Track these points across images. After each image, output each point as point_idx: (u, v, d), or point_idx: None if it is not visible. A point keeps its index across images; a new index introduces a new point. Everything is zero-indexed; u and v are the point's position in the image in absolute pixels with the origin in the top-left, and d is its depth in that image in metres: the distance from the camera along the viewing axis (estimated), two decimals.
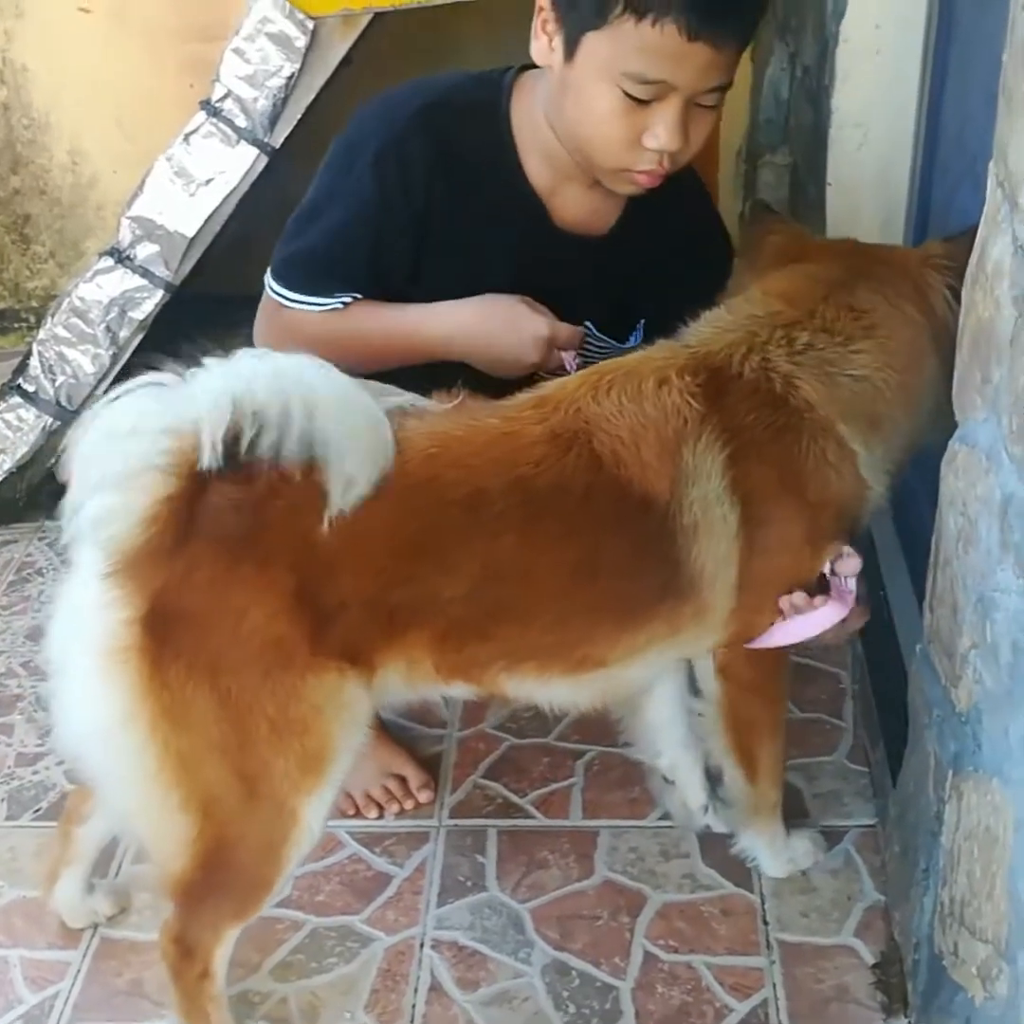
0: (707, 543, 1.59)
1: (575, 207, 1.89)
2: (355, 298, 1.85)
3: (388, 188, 1.81)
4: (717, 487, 1.58)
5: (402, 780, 2.12)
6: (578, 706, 1.78)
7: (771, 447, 1.60)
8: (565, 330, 1.81)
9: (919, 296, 1.68)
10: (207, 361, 1.46)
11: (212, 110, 2.75)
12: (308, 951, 1.89)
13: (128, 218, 2.82)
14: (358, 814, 2.10)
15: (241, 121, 2.74)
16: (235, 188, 2.78)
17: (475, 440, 1.57)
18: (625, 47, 1.63)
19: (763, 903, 1.91)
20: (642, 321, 1.96)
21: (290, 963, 1.88)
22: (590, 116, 1.71)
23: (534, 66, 1.81)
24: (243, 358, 1.46)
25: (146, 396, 1.45)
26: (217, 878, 1.57)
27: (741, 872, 1.96)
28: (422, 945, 1.89)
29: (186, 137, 2.78)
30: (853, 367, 1.64)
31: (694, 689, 1.84)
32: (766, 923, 1.88)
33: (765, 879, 1.94)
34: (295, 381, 1.43)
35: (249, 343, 1.70)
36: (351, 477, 1.45)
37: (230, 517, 1.45)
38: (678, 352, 1.65)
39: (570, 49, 1.69)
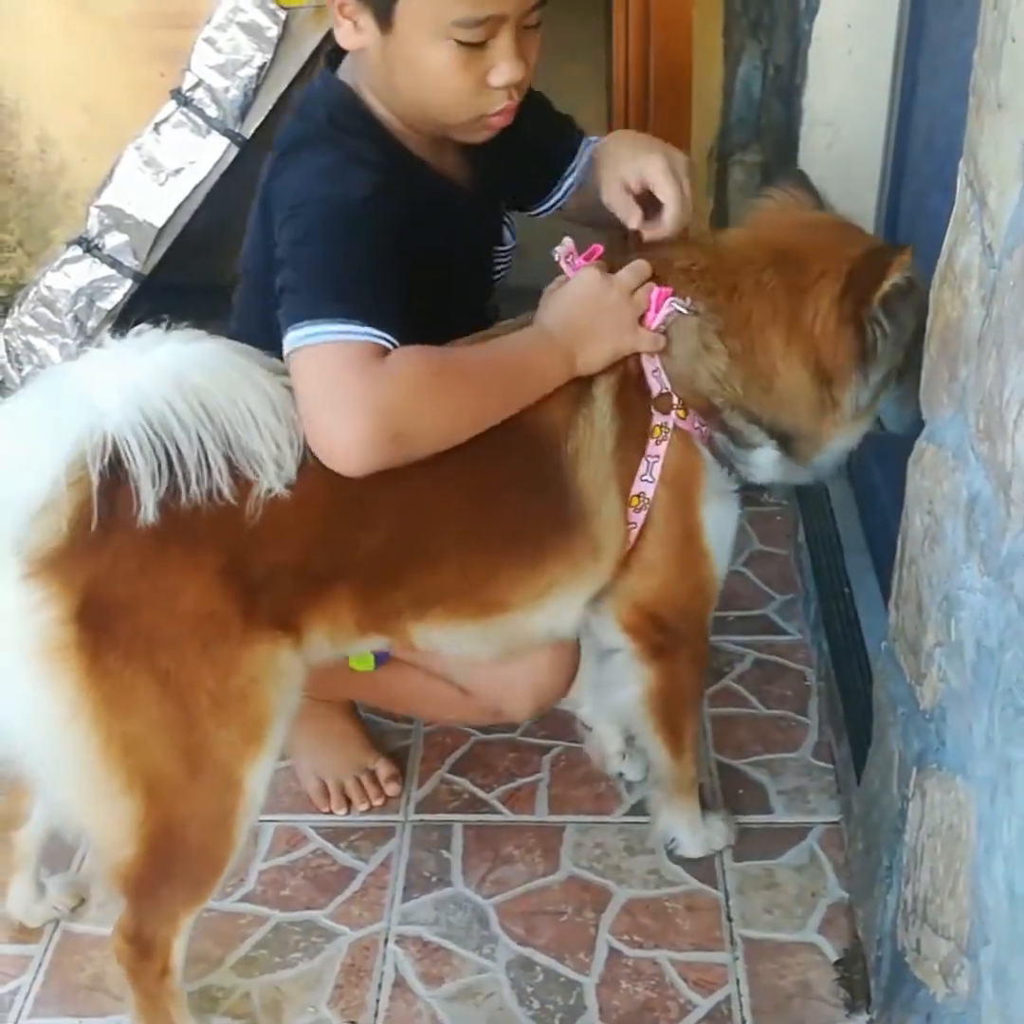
0: (587, 466, 1.64)
1: (453, 166, 1.79)
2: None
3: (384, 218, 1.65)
4: (603, 406, 1.65)
5: (372, 774, 2.13)
6: (484, 656, 1.80)
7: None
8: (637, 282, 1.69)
9: (797, 299, 1.66)
10: (91, 357, 1.48)
11: (183, 99, 2.74)
12: (272, 946, 1.88)
13: (97, 207, 2.80)
14: (329, 810, 2.10)
15: (212, 111, 2.73)
16: (205, 178, 2.77)
17: None
18: None
19: (727, 899, 1.92)
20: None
21: (254, 958, 1.87)
22: (430, 79, 1.61)
23: (335, 57, 1.73)
24: (129, 354, 1.47)
25: (46, 415, 1.45)
26: (169, 862, 1.58)
27: (706, 868, 1.97)
28: (386, 940, 1.89)
29: (156, 126, 2.77)
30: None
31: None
32: (730, 919, 1.89)
33: (730, 875, 1.95)
34: (190, 375, 1.44)
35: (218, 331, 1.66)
36: (273, 461, 1.47)
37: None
38: None
39: (385, 21, 1.59)
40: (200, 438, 1.43)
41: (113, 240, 2.80)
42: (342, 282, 1.54)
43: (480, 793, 2.13)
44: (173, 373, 1.44)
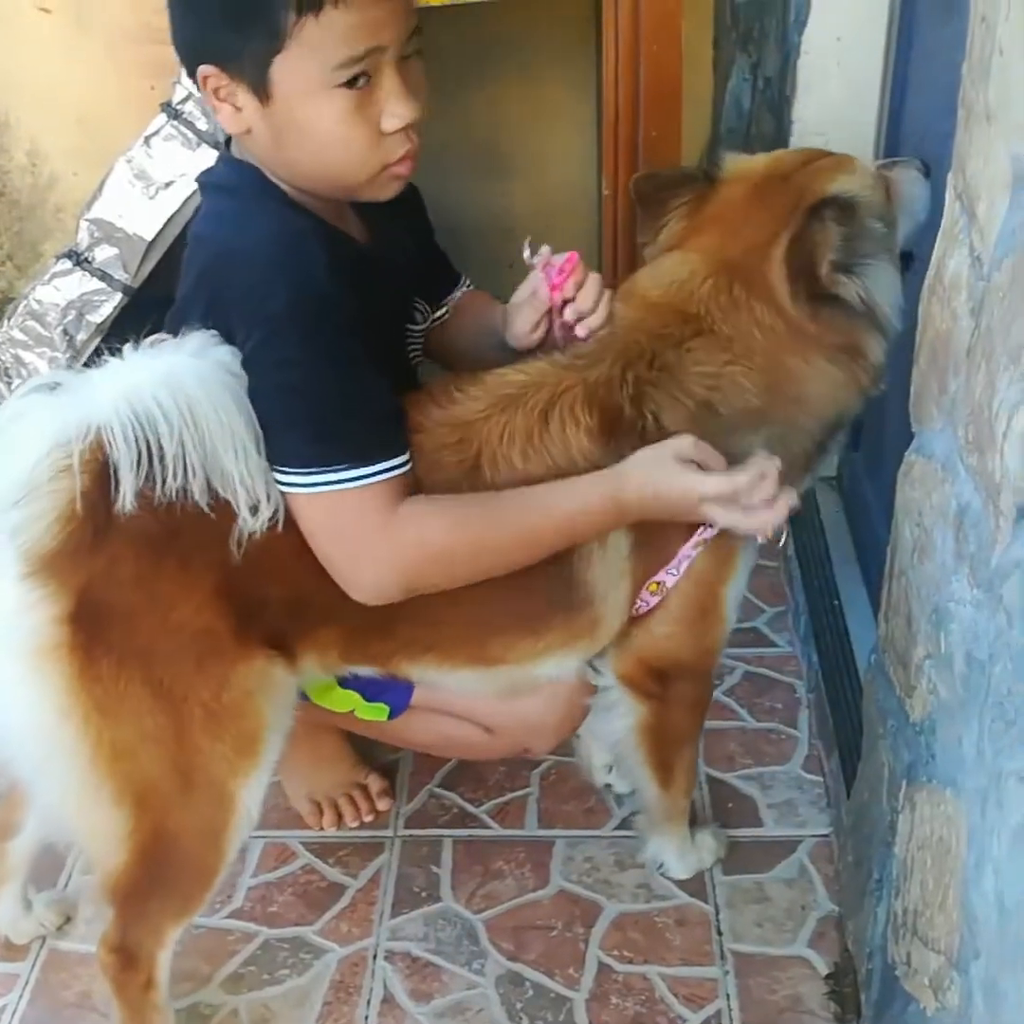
0: (600, 567, 1.63)
1: (357, 232, 1.71)
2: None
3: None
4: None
5: (364, 789, 2.12)
6: (485, 694, 1.80)
7: None
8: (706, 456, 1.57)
9: (767, 289, 1.61)
10: (101, 363, 1.48)
11: (173, 113, 2.73)
12: (260, 963, 1.88)
13: (87, 220, 2.79)
14: (321, 829, 2.09)
15: (202, 124, 2.72)
16: (195, 191, 2.76)
17: None
18: (319, 47, 1.47)
19: (717, 913, 1.91)
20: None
21: (242, 975, 1.86)
22: (321, 138, 1.53)
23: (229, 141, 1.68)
24: (135, 361, 1.47)
25: (40, 403, 1.46)
26: (159, 873, 1.58)
27: (695, 882, 1.96)
28: (375, 956, 1.88)
29: (146, 139, 2.76)
30: (695, 365, 1.60)
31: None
32: (720, 933, 1.88)
33: (719, 889, 1.94)
34: (185, 383, 1.44)
35: None
36: (245, 488, 1.47)
37: (147, 513, 1.45)
38: (569, 377, 1.61)
39: (262, 91, 1.51)
40: (182, 438, 1.43)
41: (103, 253, 2.78)
42: (338, 417, 1.52)
43: (469, 808, 2.12)
44: (169, 377, 1.44)
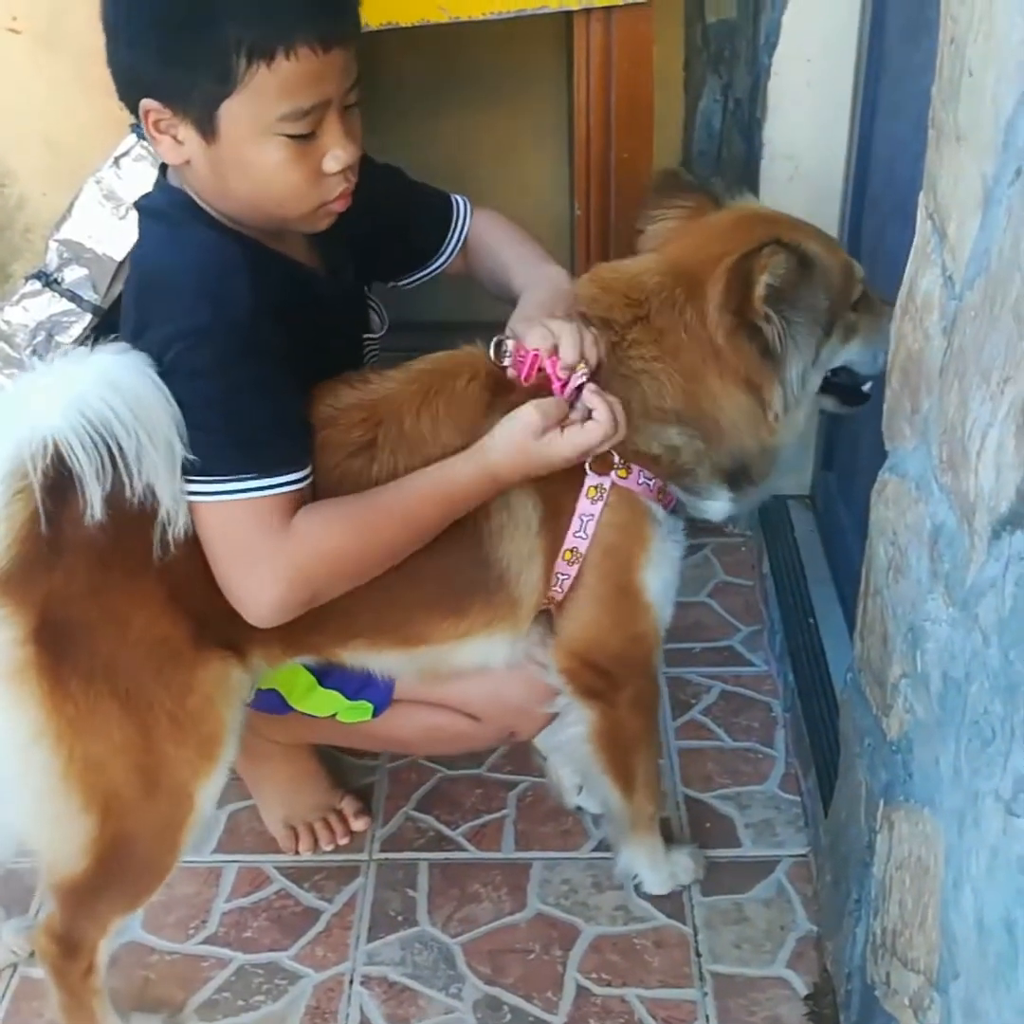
0: (511, 544, 1.66)
1: (299, 254, 1.74)
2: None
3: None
4: (521, 494, 1.65)
5: (339, 813, 2.11)
6: (416, 677, 1.81)
7: None
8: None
9: (702, 296, 1.67)
10: (27, 375, 1.51)
11: (142, 133, 2.72)
12: (234, 989, 1.86)
13: (56, 241, 2.77)
14: (296, 853, 2.07)
15: None
16: None
17: None
18: (269, 95, 1.50)
19: (696, 934, 1.90)
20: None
21: (216, 1001, 1.84)
22: (263, 179, 1.57)
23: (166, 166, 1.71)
24: (64, 366, 1.48)
25: None
26: (115, 873, 1.60)
27: (674, 903, 1.95)
28: (352, 981, 1.86)
29: (116, 160, 2.74)
30: (631, 349, 1.67)
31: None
32: (699, 955, 1.87)
33: (698, 910, 1.94)
34: (124, 378, 1.46)
35: None
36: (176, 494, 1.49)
37: (95, 526, 1.45)
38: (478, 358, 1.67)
39: (208, 130, 1.54)
40: (138, 435, 1.44)
41: (72, 274, 2.76)
42: (245, 429, 1.55)
43: (446, 830, 2.11)
44: (109, 376, 1.45)
